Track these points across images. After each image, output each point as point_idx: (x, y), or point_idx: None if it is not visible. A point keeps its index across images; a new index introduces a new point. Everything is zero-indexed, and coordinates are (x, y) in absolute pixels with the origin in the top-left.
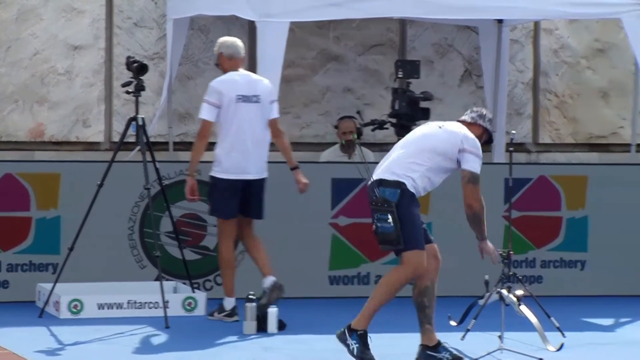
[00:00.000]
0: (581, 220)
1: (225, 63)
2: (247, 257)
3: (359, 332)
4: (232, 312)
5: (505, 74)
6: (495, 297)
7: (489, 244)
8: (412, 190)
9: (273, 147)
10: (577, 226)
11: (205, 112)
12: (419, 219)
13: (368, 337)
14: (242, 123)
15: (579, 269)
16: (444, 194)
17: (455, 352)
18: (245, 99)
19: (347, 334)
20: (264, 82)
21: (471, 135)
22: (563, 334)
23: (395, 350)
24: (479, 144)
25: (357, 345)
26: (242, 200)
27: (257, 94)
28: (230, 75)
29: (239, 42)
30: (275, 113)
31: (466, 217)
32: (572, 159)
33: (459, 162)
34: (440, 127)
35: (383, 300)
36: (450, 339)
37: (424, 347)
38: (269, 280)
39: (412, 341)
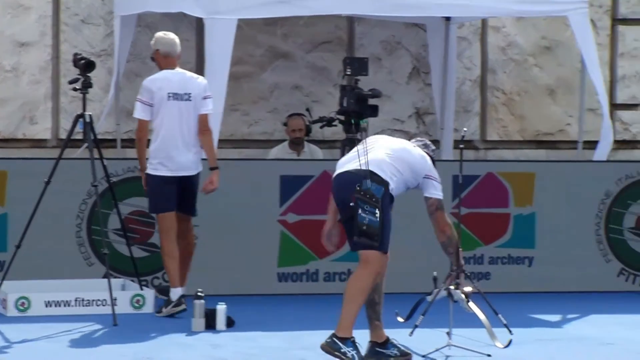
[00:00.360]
0: (529, 217)
1: (161, 60)
2: (196, 253)
3: (351, 339)
4: (179, 302)
5: (453, 72)
6: (443, 293)
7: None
8: (391, 192)
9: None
10: (524, 223)
11: (139, 111)
12: (390, 221)
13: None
14: (172, 121)
15: (527, 265)
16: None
17: (403, 348)
18: (176, 96)
19: (339, 343)
20: (198, 80)
21: (425, 158)
22: (510, 331)
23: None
24: (434, 170)
25: (355, 352)
26: (177, 196)
27: (188, 91)
28: (164, 73)
29: (176, 40)
30: (205, 109)
31: (441, 246)
32: (520, 156)
33: (419, 186)
34: (413, 147)
35: (362, 304)
36: (398, 336)
37: (373, 344)
38: (177, 293)
39: (361, 338)
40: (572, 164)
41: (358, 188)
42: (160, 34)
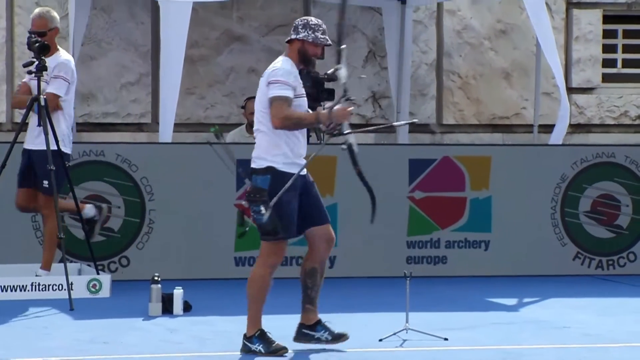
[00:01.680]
0: (485, 200)
1: (54, 40)
2: (151, 237)
3: (256, 334)
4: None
5: (409, 55)
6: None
7: (327, 112)
8: (283, 170)
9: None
10: (481, 207)
11: (64, 89)
12: (287, 205)
13: (267, 333)
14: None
15: (483, 249)
16: (350, 173)
17: (337, 332)
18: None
19: (247, 344)
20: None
21: (274, 66)
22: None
23: (288, 331)
24: (279, 72)
25: (261, 345)
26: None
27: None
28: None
29: None
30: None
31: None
32: (476, 140)
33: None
34: (269, 69)
35: (259, 298)
36: (356, 320)
37: (300, 326)
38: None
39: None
40: (527, 147)
41: (247, 190)
42: (50, 11)
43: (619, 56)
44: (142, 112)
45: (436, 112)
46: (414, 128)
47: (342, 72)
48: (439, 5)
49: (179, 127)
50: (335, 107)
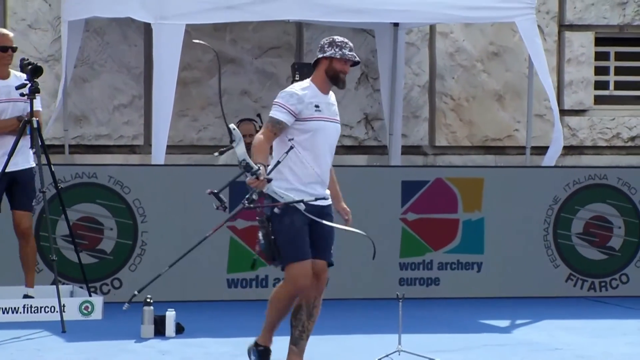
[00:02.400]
0: (477, 222)
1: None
2: (143, 259)
3: (259, 349)
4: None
5: (402, 77)
6: None
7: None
8: (280, 195)
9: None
10: (473, 228)
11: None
12: (295, 229)
13: (268, 353)
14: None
15: (476, 270)
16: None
17: None
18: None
19: (250, 350)
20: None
21: (281, 93)
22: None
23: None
24: (283, 93)
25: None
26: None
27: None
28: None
29: None
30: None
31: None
32: (468, 162)
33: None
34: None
35: (276, 316)
36: (348, 342)
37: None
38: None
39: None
40: (520, 169)
41: (257, 218)
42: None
43: (611, 78)
44: (135, 134)
45: (429, 133)
46: (407, 149)
47: (238, 150)
48: (432, 28)
49: (171, 149)
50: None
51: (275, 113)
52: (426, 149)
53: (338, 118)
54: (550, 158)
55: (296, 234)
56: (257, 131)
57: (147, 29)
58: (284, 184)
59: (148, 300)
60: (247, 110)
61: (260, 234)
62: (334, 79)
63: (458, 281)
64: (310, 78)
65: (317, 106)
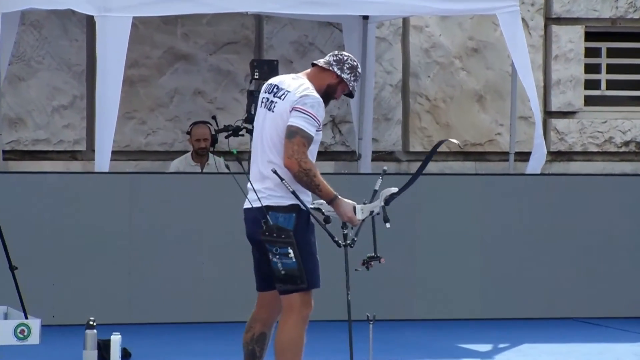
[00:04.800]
0: None
1: None
2: (86, 277)
3: None
4: None
5: (372, 76)
6: None
7: (345, 207)
8: (307, 207)
9: None
10: None
11: None
12: (316, 249)
13: None
14: None
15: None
16: None
17: None
18: None
19: None
20: None
21: (306, 89)
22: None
23: None
24: (315, 102)
25: None
26: None
27: None
28: None
29: None
30: None
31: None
32: (445, 169)
33: None
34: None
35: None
36: None
37: None
38: None
39: None
40: (503, 177)
41: (263, 227)
42: None
43: (603, 77)
44: (76, 139)
45: (402, 138)
46: (378, 156)
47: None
48: (405, 21)
49: (117, 155)
50: (347, 210)
51: (310, 128)
52: (399, 155)
53: None
54: (535, 166)
55: (317, 255)
56: (212, 135)
57: (89, 22)
58: (304, 195)
59: (91, 322)
60: (201, 112)
61: (289, 250)
62: (327, 98)
63: (434, 301)
64: (307, 77)
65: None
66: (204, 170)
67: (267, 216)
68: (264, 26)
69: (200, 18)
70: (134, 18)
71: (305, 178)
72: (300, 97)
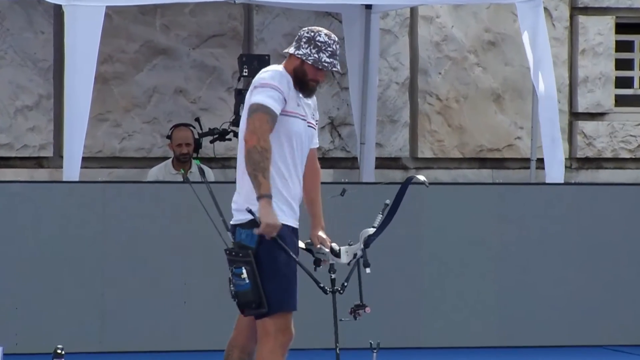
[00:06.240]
0: None
1: None
2: (54, 300)
3: None
4: None
5: (376, 73)
6: None
7: (270, 211)
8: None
9: None
10: None
11: None
12: (290, 268)
13: None
14: None
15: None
16: None
17: None
18: None
19: None
20: None
21: (265, 69)
22: None
23: None
24: (269, 74)
25: None
26: None
27: None
28: None
29: None
30: None
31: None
32: (459, 178)
33: None
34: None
35: None
36: None
37: None
38: None
39: None
40: (523, 187)
41: (231, 245)
42: None
43: (636, 74)
44: (43, 144)
45: (409, 143)
46: (382, 162)
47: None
48: (413, 11)
49: (88, 161)
50: (270, 217)
51: (269, 100)
52: (406, 162)
53: (314, 123)
54: (554, 176)
55: (291, 276)
56: (196, 140)
57: (57, 12)
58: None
59: (59, 351)
60: (182, 113)
61: (243, 271)
62: (301, 85)
63: (443, 327)
64: (282, 65)
65: (296, 99)
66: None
67: (235, 232)
68: (254, 16)
69: (182, 7)
70: (108, 8)
71: (256, 156)
72: (259, 75)
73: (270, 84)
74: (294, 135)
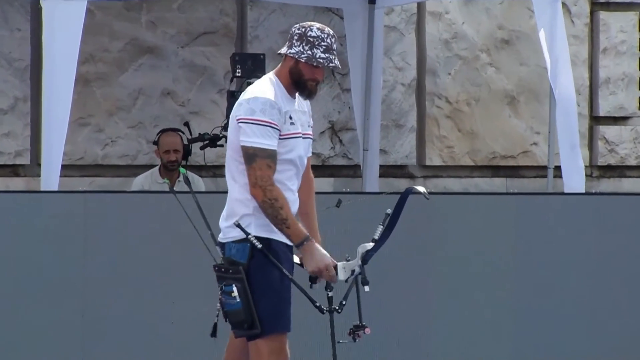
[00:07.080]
0: None
1: None
2: (32, 319)
3: None
4: None
5: (380, 73)
6: None
7: (313, 256)
8: (267, 234)
9: None
10: None
11: None
12: (284, 287)
13: None
14: None
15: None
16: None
17: None
18: None
19: None
20: None
21: (250, 90)
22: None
23: None
24: (257, 103)
25: None
26: None
27: None
28: None
29: None
30: None
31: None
32: (470, 187)
33: None
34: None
35: None
36: None
37: None
38: None
39: None
40: (540, 197)
41: (220, 261)
42: None
43: None
44: (19, 150)
45: (416, 149)
46: (387, 170)
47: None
48: (420, 6)
49: (68, 169)
50: (319, 259)
51: (263, 140)
52: (413, 170)
53: (311, 132)
54: (574, 184)
55: (285, 294)
56: (185, 146)
57: (34, 8)
58: (263, 219)
59: None
60: (170, 116)
61: (234, 289)
62: (299, 86)
63: (454, 344)
64: (274, 71)
65: (290, 117)
66: (175, 189)
67: (225, 247)
68: (248, 12)
69: (170, 3)
70: (90, 3)
71: (270, 210)
72: (237, 105)
73: (261, 121)
74: (293, 156)
